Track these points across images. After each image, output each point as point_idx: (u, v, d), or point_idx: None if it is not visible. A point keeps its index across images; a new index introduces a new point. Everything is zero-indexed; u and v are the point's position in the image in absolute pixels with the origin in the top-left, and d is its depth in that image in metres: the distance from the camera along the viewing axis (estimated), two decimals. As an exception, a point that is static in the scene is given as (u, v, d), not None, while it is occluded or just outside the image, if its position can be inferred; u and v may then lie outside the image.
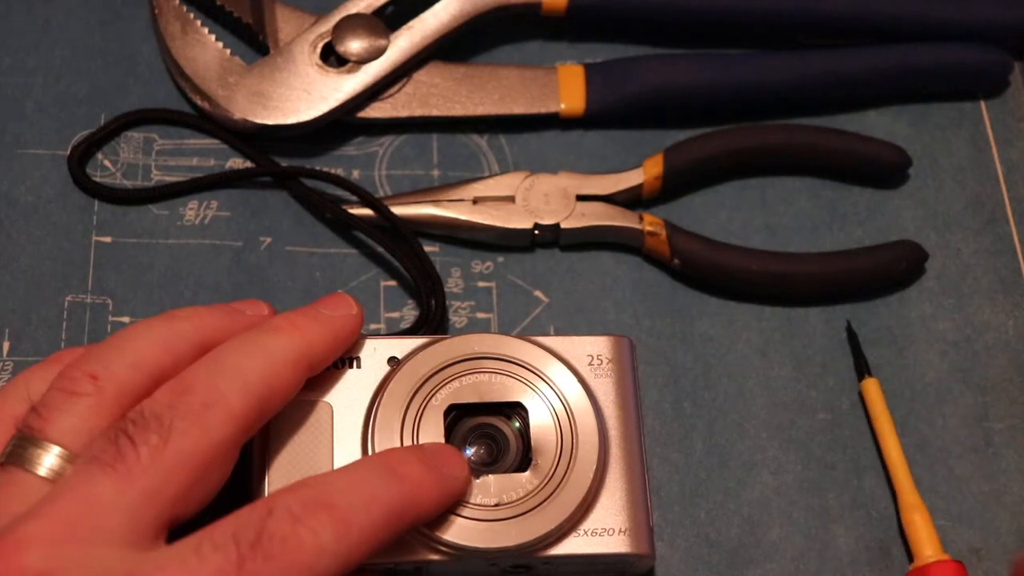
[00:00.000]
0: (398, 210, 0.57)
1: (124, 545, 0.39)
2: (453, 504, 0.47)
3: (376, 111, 0.60)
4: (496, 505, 0.48)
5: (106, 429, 0.41)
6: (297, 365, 0.45)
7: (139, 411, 0.42)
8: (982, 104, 0.64)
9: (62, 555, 0.38)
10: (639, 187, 0.59)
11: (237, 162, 0.59)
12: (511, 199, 0.58)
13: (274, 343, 0.45)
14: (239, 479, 0.47)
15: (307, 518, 0.40)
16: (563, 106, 0.61)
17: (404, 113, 0.60)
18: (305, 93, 0.58)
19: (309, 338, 0.46)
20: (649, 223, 0.58)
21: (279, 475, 0.47)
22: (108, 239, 0.57)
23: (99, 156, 0.59)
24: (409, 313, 0.57)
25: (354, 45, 0.59)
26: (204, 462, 0.42)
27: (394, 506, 0.43)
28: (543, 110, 0.61)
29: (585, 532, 0.48)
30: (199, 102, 0.59)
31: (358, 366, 0.50)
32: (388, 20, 0.60)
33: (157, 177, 0.59)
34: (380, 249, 0.57)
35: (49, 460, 0.41)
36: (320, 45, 0.60)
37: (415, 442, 0.48)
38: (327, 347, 0.47)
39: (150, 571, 0.38)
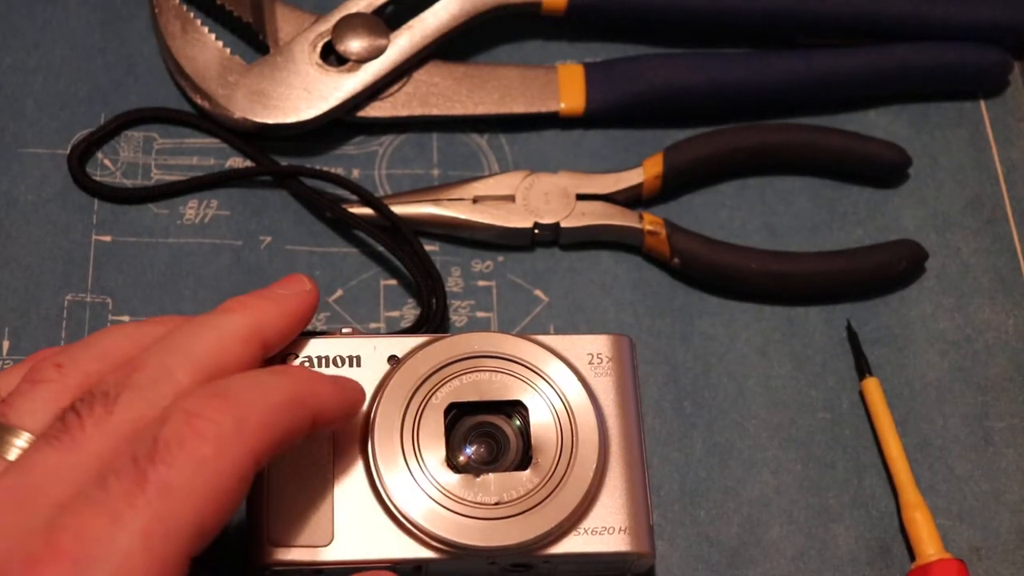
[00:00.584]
0: (398, 209, 0.57)
1: None
2: (450, 505, 0.47)
3: (376, 110, 0.60)
4: (496, 504, 0.48)
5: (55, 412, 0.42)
6: (248, 341, 0.45)
7: (88, 390, 0.42)
8: (982, 104, 0.64)
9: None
10: (639, 186, 0.59)
11: (237, 161, 0.59)
12: (511, 198, 0.58)
13: (224, 321, 0.45)
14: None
15: (203, 410, 0.40)
16: (563, 105, 0.61)
17: (404, 112, 0.60)
18: (305, 92, 0.58)
19: (260, 316, 0.46)
20: (649, 222, 0.58)
21: (278, 475, 0.47)
22: (108, 238, 0.57)
23: (99, 155, 0.59)
24: (409, 312, 0.57)
25: (354, 44, 0.59)
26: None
27: (289, 393, 0.42)
28: (543, 109, 0.61)
29: (585, 531, 0.48)
30: (199, 101, 0.59)
31: (358, 365, 0.50)
32: (388, 20, 0.60)
33: (157, 176, 0.59)
34: (380, 248, 0.57)
35: (18, 442, 0.41)
36: (320, 44, 0.60)
37: (416, 440, 0.48)
38: (280, 324, 0.47)
39: (65, 520, 0.38)
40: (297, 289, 0.48)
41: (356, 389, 0.47)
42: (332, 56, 0.60)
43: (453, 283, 0.57)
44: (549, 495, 0.48)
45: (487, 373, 0.49)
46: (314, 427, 0.43)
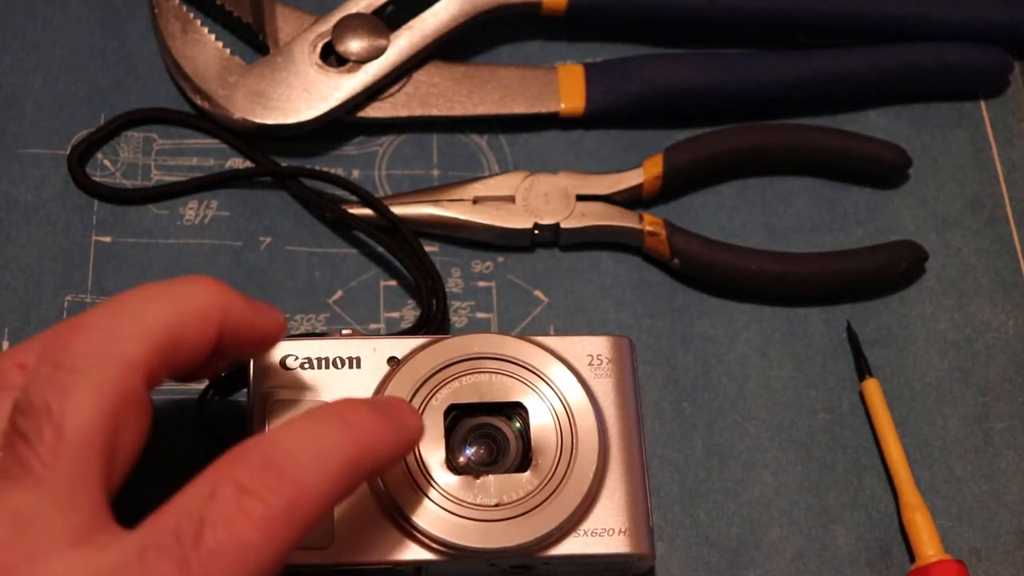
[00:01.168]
0: (398, 210, 0.57)
1: (70, 547, 0.37)
2: (450, 507, 0.47)
3: (376, 111, 0.60)
4: (496, 505, 0.48)
5: (5, 431, 0.39)
6: (208, 320, 0.42)
7: (25, 395, 0.38)
8: (982, 104, 0.64)
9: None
10: (639, 187, 0.59)
11: (237, 162, 0.59)
12: (511, 199, 0.58)
13: (184, 291, 0.42)
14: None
15: (254, 486, 0.37)
16: (563, 106, 0.61)
17: (404, 113, 0.60)
18: (305, 93, 0.58)
19: (227, 299, 0.42)
20: (649, 223, 0.58)
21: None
22: (108, 239, 0.57)
23: (99, 156, 0.59)
24: (409, 313, 0.57)
25: (354, 45, 0.59)
26: (111, 426, 0.38)
27: (349, 457, 0.39)
28: (543, 110, 0.61)
29: (585, 532, 0.48)
30: (199, 102, 0.59)
31: (358, 366, 0.50)
32: (388, 20, 0.60)
33: (157, 177, 0.59)
34: (380, 249, 0.57)
35: None
36: (320, 45, 0.60)
37: (416, 442, 0.48)
38: (245, 314, 0.43)
39: None
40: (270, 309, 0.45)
41: (415, 428, 0.44)
42: (332, 56, 0.60)
43: (453, 284, 0.57)
44: (549, 497, 0.48)
45: (487, 374, 0.50)
46: (366, 480, 0.42)
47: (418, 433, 0.45)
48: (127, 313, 0.40)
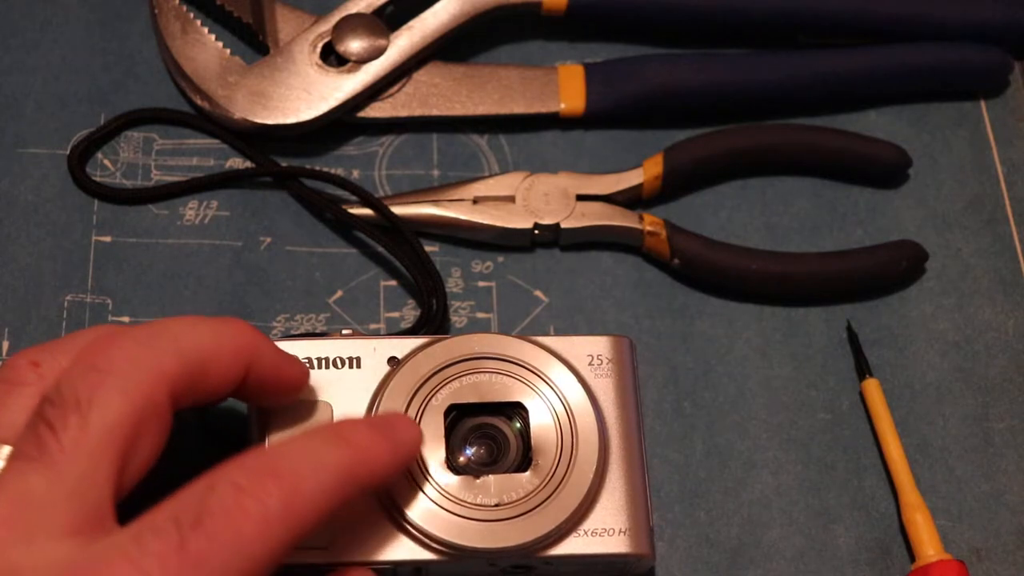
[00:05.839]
0: (398, 210, 0.57)
1: (68, 535, 0.38)
2: (450, 507, 0.47)
3: (376, 111, 0.60)
4: (496, 505, 0.48)
5: (30, 416, 0.40)
6: (239, 354, 0.44)
7: (56, 387, 0.40)
8: (982, 104, 0.64)
9: (4, 556, 0.37)
10: (639, 187, 0.59)
11: (237, 162, 0.59)
12: (511, 199, 0.58)
13: (222, 324, 0.44)
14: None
15: (252, 487, 0.38)
16: (563, 106, 0.61)
17: (404, 113, 0.60)
18: (305, 93, 0.58)
19: (260, 340, 0.45)
20: (649, 223, 0.58)
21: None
22: (108, 239, 0.57)
23: (99, 156, 0.59)
24: (409, 313, 0.57)
25: (354, 45, 0.59)
26: (133, 429, 0.40)
27: (344, 469, 0.41)
28: (543, 110, 0.61)
29: (585, 532, 0.48)
30: (199, 102, 0.59)
31: (358, 366, 0.50)
32: (388, 20, 0.60)
33: (157, 177, 0.59)
34: (380, 249, 0.57)
35: None
36: (320, 45, 0.60)
37: (416, 441, 0.48)
38: (274, 358, 0.46)
39: (91, 566, 0.37)
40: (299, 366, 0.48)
41: (412, 442, 0.45)
42: (332, 56, 0.60)
43: (453, 284, 0.57)
44: (549, 497, 0.48)
45: (487, 375, 0.50)
46: (362, 495, 0.43)
47: (415, 446, 0.46)
48: (165, 334, 0.42)
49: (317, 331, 0.56)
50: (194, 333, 0.43)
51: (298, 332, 0.56)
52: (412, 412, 0.48)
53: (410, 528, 0.47)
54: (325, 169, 0.59)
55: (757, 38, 0.63)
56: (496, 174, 0.60)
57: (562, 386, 0.50)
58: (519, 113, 0.61)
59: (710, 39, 0.63)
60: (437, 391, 0.49)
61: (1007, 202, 0.61)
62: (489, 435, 0.49)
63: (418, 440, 0.46)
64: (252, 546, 0.38)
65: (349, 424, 0.44)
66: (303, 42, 0.60)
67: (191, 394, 0.42)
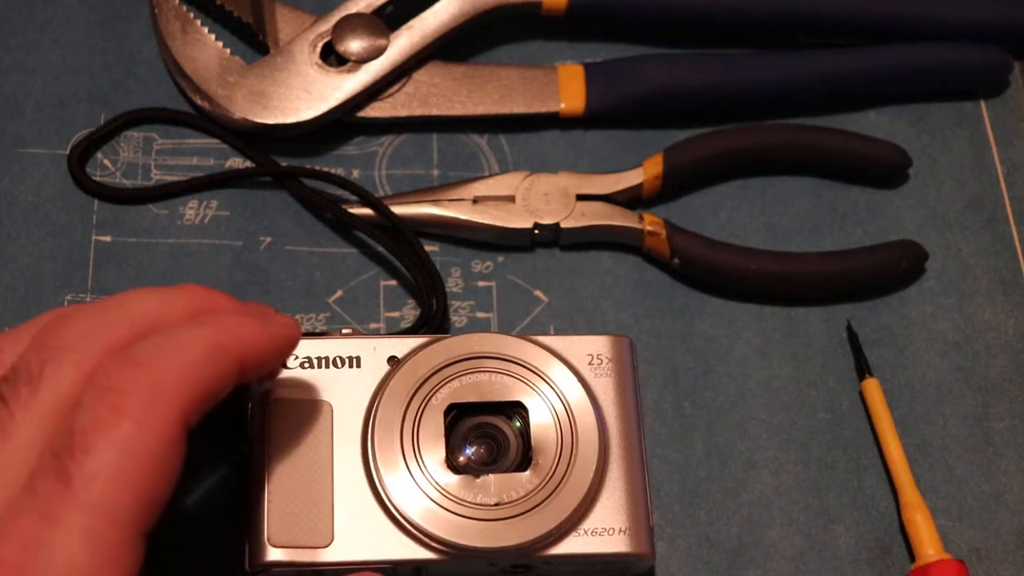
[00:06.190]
0: (398, 210, 0.57)
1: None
2: (450, 506, 0.47)
3: (376, 111, 0.60)
4: (496, 505, 0.48)
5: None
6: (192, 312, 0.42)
7: (12, 368, 0.40)
8: (982, 104, 0.64)
9: None
10: (639, 187, 0.59)
11: (237, 162, 0.59)
12: (511, 199, 0.58)
13: (168, 291, 0.43)
14: (239, 479, 0.47)
15: (114, 382, 0.38)
16: (563, 106, 0.61)
17: (404, 113, 0.60)
18: (305, 93, 0.58)
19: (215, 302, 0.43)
20: (649, 223, 0.58)
21: (279, 475, 0.47)
22: (108, 238, 0.57)
23: (99, 155, 0.59)
24: (409, 312, 0.57)
25: (354, 45, 0.59)
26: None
27: (208, 345, 0.40)
28: (543, 110, 0.61)
29: (585, 532, 0.48)
30: (199, 102, 0.59)
31: (358, 365, 0.50)
32: (388, 20, 0.60)
33: (157, 177, 0.59)
34: (380, 249, 0.57)
35: None
36: (320, 45, 0.60)
37: (415, 441, 0.48)
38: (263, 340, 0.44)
39: (7, 528, 0.37)
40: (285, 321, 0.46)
41: (287, 324, 0.44)
42: (332, 56, 0.60)
43: (453, 283, 0.57)
44: (549, 496, 0.48)
45: (487, 374, 0.50)
46: (243, 374, 0.41)
47: (290, 329, 0.44)
48: (114, 305, 0.42)
49: (317, 331, 0.56)
50: (143, 301, 0.42)
51: (298, 332, 0.56)
52: (412, 411, 0.48)
53: (410, 527, 0.47)
54: (325, 169, 0.59)
55: (757, 38, 0.63)
56: (496, 174, 0.60)
57: (562, 386, 0.50)
58: (519, 113, 0.61)
59: (710, 39, 0.63)
60: (437, 390, 0.49)
61: (1007, 202, 0.61)
62: (489, 434, 0.49)
63: (293, 324, 0.44)
64: (135, 440, 0.37)
65: (210, 307, 0.43)
66: (303, 42, 0.60)
67: (196, 409, 0.41)
